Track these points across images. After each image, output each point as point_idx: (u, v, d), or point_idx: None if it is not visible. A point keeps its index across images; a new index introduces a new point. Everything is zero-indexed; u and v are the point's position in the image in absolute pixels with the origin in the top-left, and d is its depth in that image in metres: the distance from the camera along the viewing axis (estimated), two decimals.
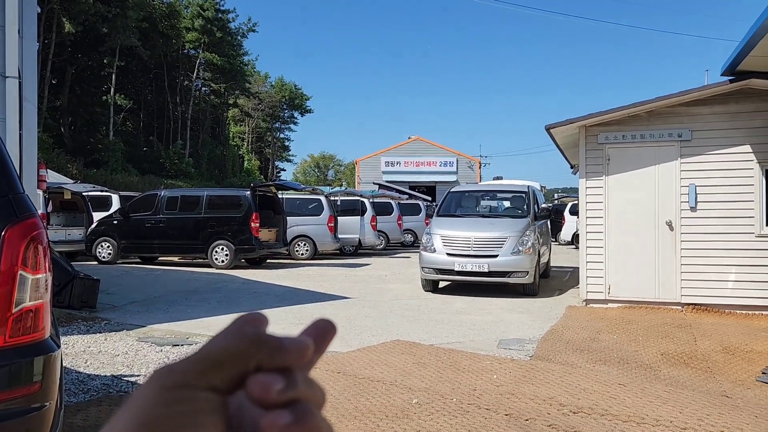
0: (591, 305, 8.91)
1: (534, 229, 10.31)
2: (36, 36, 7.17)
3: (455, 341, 6.60)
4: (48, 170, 15.41)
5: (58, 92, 36.11)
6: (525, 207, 11.03)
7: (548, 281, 12.06)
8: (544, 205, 12.28)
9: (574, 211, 22.89)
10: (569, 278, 12.66)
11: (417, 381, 4.90)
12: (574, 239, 22.42)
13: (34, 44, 7.09)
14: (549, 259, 12.68)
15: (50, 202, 15.27)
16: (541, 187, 27.45)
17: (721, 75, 8.05)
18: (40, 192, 12.53)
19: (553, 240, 22.72)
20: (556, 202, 30.68)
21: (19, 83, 6.60)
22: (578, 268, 9.56)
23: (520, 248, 9.79)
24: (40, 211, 10.33)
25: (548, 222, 12.76)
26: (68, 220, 16.18)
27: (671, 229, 8.57)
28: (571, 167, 14.52)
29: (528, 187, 11.97)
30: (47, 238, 2.16)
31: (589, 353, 6.07)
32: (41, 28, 31.68)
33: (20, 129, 6.66)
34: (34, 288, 2.07)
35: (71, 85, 36.60)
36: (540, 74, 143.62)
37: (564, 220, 24.27)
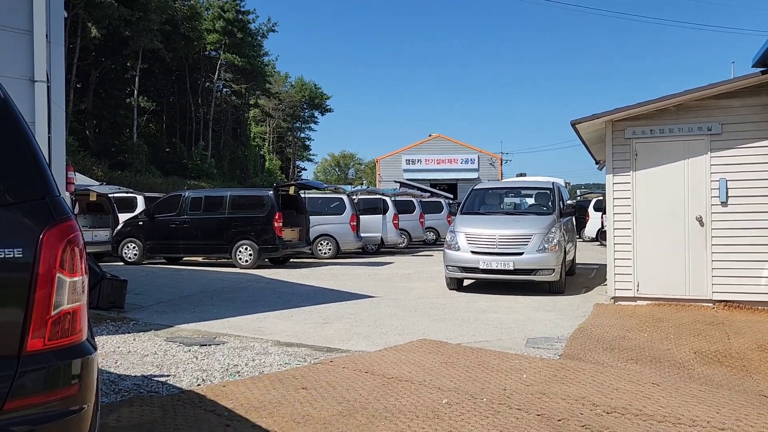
0: (619, 303, 8.77)
1: (560, 226, 10.18)
2: (63, 40, 7.25)
3: (482, 340, 6.54)
4: (75, 172, 15.63)
5: (83, 96, 36.67)
6: (550, 204, 10.91)
7: (574, 278, 11.91)
8: (569, 202, 12.12)
9: (599, 207, 22.67)
10: (595, 275, 12.50)
11: (446, 380, 4.85)
12: (599, 236, 22.18)
13: (62, 48, 7.17)
14: (575, 256, 12.53)
15: (77, 204, 15.51)
16: (566, 183, 27.20)
17: (753, 66, 7.85)
18: (68, 194, 12.74)
19: (578, 237, 22.50)
20: (579, 198, 30.36)
21: (48, 87, 6.69)
22: (604, 264, 9.42)
23: (546, 246, 9.68)
24: None
25: (573, 219, 12.60)
26: (94, 221, 16.41)
27: (701, 224, 8.40)
28: (597, 163, 14.32)
29: (553, 183, 11.83)
30: (83, 240, 2.16)
31: (620, 352, 5.97)
32: (67, 33, 32.18)
33: (49, 132, 6.75)
34: (72, 290, 2.08)
35: (96, 88, 37.16)
36: (562, 68, 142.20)
37: (588, 216, 24.02)
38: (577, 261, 13.52)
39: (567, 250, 10.63)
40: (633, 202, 8.74)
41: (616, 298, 8.85)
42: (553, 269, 9.69)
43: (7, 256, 1.95)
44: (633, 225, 8.73)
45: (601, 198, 22.63)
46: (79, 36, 32.66)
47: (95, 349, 2.24)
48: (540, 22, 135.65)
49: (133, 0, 34.00)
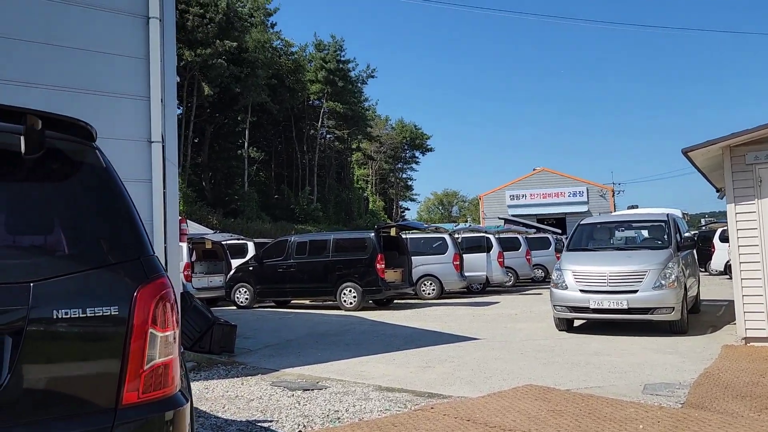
0: (752, 343, 7.95)
1: (678, 261, 9.48)
2: (176, 102, 7.83)
3: (594, 386, 6.13)
4: (189, 222, 16.74)
5: (200, 149, 39.48)
6: (665, 237, 10.21)
7: (699, 317, 11.00)
8: (687, 234, 11.26)
9: (725, 238, 20.93)
10: (724, 313, 11.47)
11: (553, 431, 4.56)
12: (727, 269, 20.45)
13: (175, 110, 7.74)
14: (698, 292, 11.59)
15: (194, 251, 16.50)
16: (683, 213, 25.48)
17: None
18: (183, 244, 13.60)
19: (703, 270, 20.85)
20: (703, 228, 28.26)
21: (162, 147, 7.22)
22: (734, 301, 8.62)
23: (663, 282, 9.03)
24: (185, 261, 11.08)
25: (694, 252, 11.69)
26: (210, 267, 17.34)
27: None
28: (717, 191, 13.31)
29: (667, 215, 11.08)
30: (174, 294, 2.24)
31: (753, 400, 5.36)
32: (184, 94, 35.08)
33: (164, 188, 7.25)
34: (164, 344, 2.15)
35: (210, 142, 39.93)
36: (676, 92, 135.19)
37: (713, 248, 22.21)
38: (702, 297, 12.51)
39: (688, 286, 9.86)
40: (761, 233, 7.98)
41: (747, 339, 8.03)
42: (673, 307, 8.99)
43: (104, 313, 2.06)
44: (762, 257, 7.95)
45: (726, 228, 20.99)
46: (195, 95, 35.42)
47: (187, 399, 2.29)
48: (650, 47, 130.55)
49: (242, 59, 36.50)
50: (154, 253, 2.25)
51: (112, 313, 2.07)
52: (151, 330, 2.11)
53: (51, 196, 2.17)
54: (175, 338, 2.21)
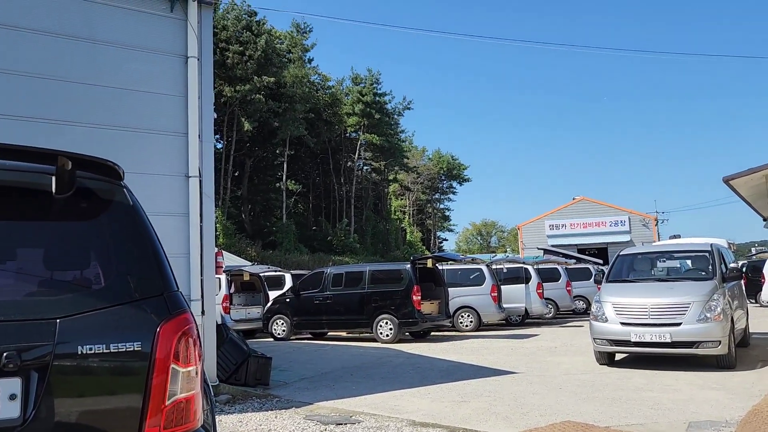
0: None
1: (723, 293, 9.15)
2: (213, 137, 8.02)
3: (635, 423, 5.90)
4: (225, 253, 17.04)
5: (240, 183, 40.27)
6: (709, 268, 9.87)
7: (748, 351, 10.54)
8: (733, 265, 10.87)
9: None
10: None
11: None
12: None
13: (212, 145, 7.93)
14: (747, 324, 11.13)
15: (232, 283, 16.69)
16: (729, 243, 24.61)
17: None
18: (221, 276, 13.79)
19: (753, 301, 20.05)
20: (753, 257, 27.27)
21: (200, 181, 7.40)
22: None
23: (708, 315, 8.70)
24: (223, 293, 11.19)
25: (741, 283, 11.26)
26: (248, 299, 17.51)
27: None
28: (764, 219, 12.90)
29: (711, 245, 10.72)
30: (197, 330, 2.26)
31: None
32: (224, 129, 35.99)
33: (201, 221, 7.40)
34: (186, 380, 2.17)
35: (250, 175, 40.72)
36: (721, 117, 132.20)
37: (764, 278, 21.34)
38: (752, 330, 11.99)
39: (735, 318, 9.48)
40: None
41: None
42: (719, 341, 8.64)
43: (128, 348, 2.09)
44: None
45: None
46: (234, 130, 36.32)
47: None
48: (698, 74, 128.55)
49: (280, 94, 37.36)
50: (178, 288, 2.28)
51: (135, 349, 2.10)
52: (173, 365, 2.12)
53: (80, 234, 2.23)
54: (197, 373, 2.22)
